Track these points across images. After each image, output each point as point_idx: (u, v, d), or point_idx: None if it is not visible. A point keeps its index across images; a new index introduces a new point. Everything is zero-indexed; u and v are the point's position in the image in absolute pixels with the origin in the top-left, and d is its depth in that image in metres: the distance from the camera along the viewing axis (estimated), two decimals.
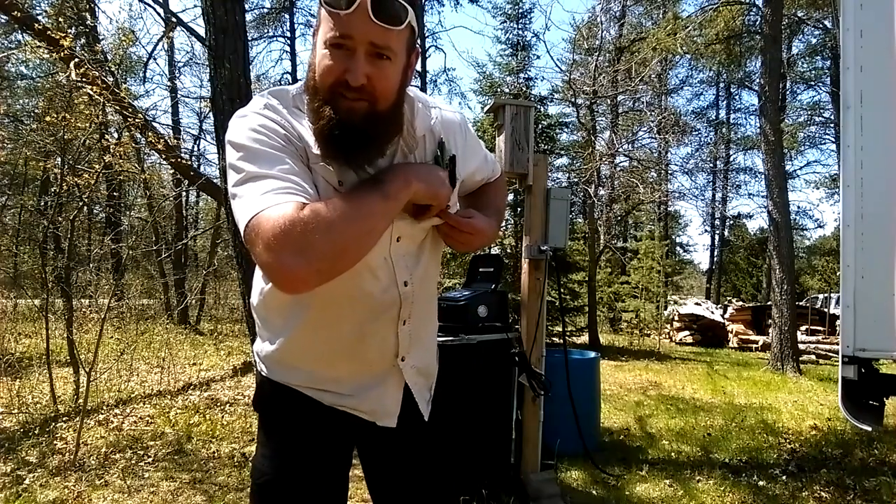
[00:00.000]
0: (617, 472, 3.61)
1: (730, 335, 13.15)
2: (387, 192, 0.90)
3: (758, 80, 11.69)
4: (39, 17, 6.42)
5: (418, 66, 18.00)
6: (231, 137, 0.95)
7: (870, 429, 2.44)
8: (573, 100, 12.69)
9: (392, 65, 0.90)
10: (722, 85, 23.38)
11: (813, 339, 11.13)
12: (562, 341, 4.53)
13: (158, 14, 10.77)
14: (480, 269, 3.63)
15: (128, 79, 14.46)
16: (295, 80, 20.48)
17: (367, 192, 0.89)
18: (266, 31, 19.39)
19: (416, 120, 1.07)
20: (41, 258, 6.48)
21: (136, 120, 5.26)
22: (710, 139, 23.99)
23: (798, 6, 15.78)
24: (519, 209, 9.40)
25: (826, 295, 15.44)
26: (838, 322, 3.04)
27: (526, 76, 11.18)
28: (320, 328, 1.09)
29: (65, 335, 5.50)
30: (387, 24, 0.86)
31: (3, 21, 9.65)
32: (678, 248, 24.67)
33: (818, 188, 22.47)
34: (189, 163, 8.60)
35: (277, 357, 1.15)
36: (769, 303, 10.31)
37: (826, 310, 12.47)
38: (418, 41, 1.03)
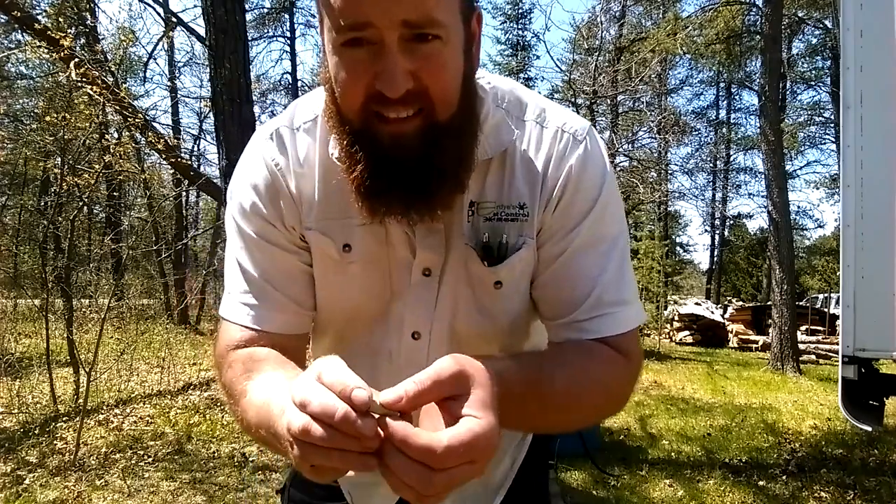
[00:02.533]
0: (617, 472, 3.61)
1: (730, 335, 13.15)
2: (277, 433, 0.56)
3: (758, 80, 11.72)
4: (39, 17, 6.43)
5: None
6: (229, 192, 0.80)
7: (870, 429, 2.45)
8: (573, 100, 12.70)
9: (446, 45, 0.60)
10: (722, 85, 23.39)
11: (813, 339, 11.12)
12: None
13: (158, 14, 10.78)
14: None
15: (128, 79, 14.48)
16: (295, 81, 20.60)
17: (272, 411, 0.58)
18: (266, 31, 19.44)
19: (484, 129, 0.71)
20: (41, 258, 6.48)
21: (136, 120, 5.26)
22: (710, 139, 24.04)
23: (798, 6, 15.81)
24: None
25: (826, 295, 15.44)
26: (838, 322, 3.05)
27: (526, 76, 11.22)
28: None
29: (65, 335, 5.49)
30: None
31: (3, 21, 9.65)
32: (678, 248, 24.69)
33: (818, 188, 22.49)
34: (189, 163, 8.60)
35: None
36: (769, 303, 10.31)
37: (826, 310, 12.47)
38: None
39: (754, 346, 12.26)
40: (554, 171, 0.72)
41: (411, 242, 0.73)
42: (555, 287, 0.75)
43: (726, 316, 13.73)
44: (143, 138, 6.79)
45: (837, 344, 2.76)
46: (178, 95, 15.84)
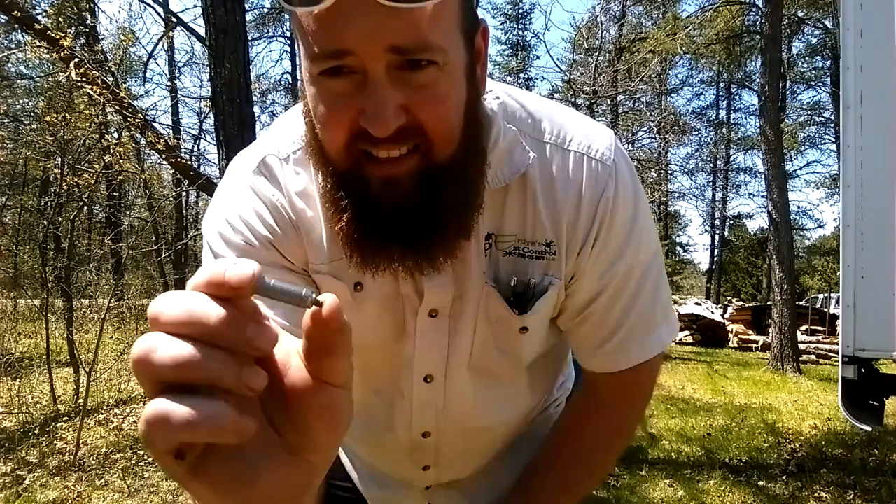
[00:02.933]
0: (617, 472, 3.61)
1: (730, 335, 13.16)
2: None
3: (758, 80, 11.72)
4: (39, 17, 6.43)
5: None
6: (205, 233, 0.69)
7: (870, 429, 2.45)
8: (573, 100, 12.71)
9: (443, 71, 0.52)
10: (722, 85, 23.40)
11: (813, 339, 11.12)
12: None
13: (158, 14, 10.78)
14: None
15: (128, 79, 14.48)
16: (295, 81, 20.62)
17: None
18: (266, 31, 19.46)
19: (495, 153, 0.63)
20: (41, 258, 6.49)
21: (136, 120, 5.26)
22: (710, 139, 24.05)
23: (798, 6, 15.82)
24: None
25: (826, 295, 15.45)
26: (838, 322, 3.05)
27: (526, 76, 11.24)
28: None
29: (65, 335, 5.50)
30: (407, 2, 0.47)
31: (3, 21, 9.66)
32: (678, 248, 24.68)
33: (818, 188, 22.49)
34: (189, 163, 8.60)
35: None
36: (769, 303, 10.31)
37: (826, 310, 12.47)
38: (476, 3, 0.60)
39: (754, 346, 12.26)
40: (588, 209, 0.65)
41: (417, 282, 0.65)
42: (587, 325, 0.71)
43: (726, 316, 13.74)
44: (143, 138, 6.79)
45: (837, 344, 2.76)
46: (178, 95, 15.85)
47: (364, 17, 0.47)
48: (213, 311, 0.30)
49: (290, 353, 0.34)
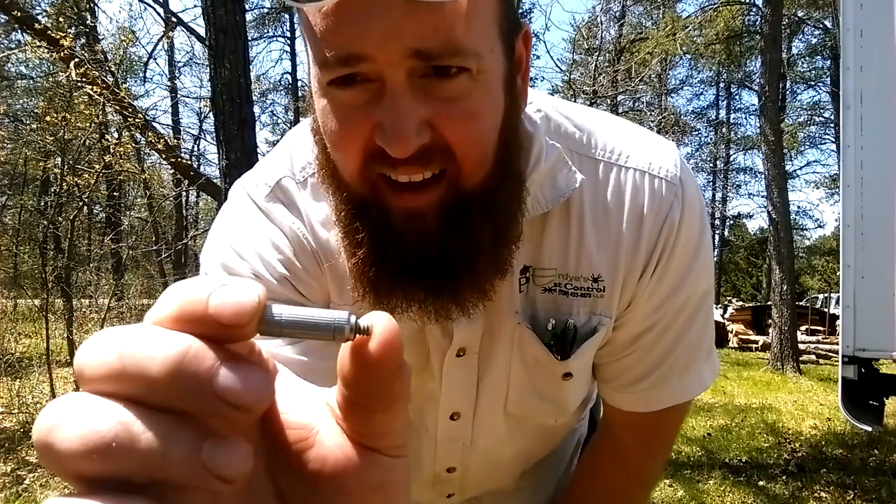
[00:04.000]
0: None
1: (730, 335, 13.16)
2: None
3: (758, 80, 11.73)
4: (39, 17, 6.43)
5: None
6: (203, 265, 0.61)
7: (870, 429, 2.45)
8: (573, 100, 12.72)
9: (477, 80, 0.44)
10: (722, 85, 23.41)
11: (813, 339, 11.13)
12: None
13: (158, 14, 10.79)
14: None
15: (128, 79, 14.48)
16: (295, 81, 20.63)
17: None
18: (266, 31, 19.48)
19: (536, 175, 0.54)
20: (41, 258, 6.48)
21: (136, 120, 5.26)
22: (710, 139, 24.07)
23: (798, 6, 15.82)
24: None
25: (826, 295, 15.46)
26: (838, 322, 3.06)
27: None
28: None
29: (65, 335, 5.50)
30: None
31: (3, 21, 9.66)
32: None
33: (818, 188, 22.51)
34: (189, 163, 8.60)
35: None
36: (769, 303, 10.32)
37: (826, 310, 12.48)
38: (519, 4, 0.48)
39: (754, 346, 12.26)
40: (650, 234, 0.56)
41: (445, 324, 0.58)
42: (626, 360, 0.64)
43: (726, 316, 13.74)
44: (143, 138, 6.80)
45: (837, 344, 2.76)
46: (178, 95, 15.85)
47: (381, 15, 0.39)
48: (158, 353, 0.17)
49: (316, 409, 0.22)
